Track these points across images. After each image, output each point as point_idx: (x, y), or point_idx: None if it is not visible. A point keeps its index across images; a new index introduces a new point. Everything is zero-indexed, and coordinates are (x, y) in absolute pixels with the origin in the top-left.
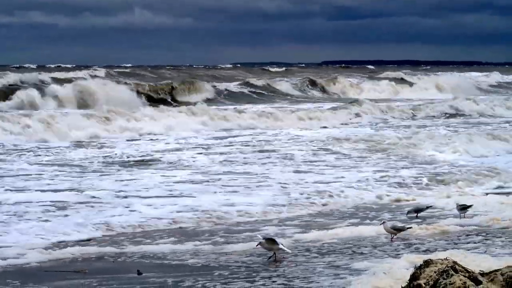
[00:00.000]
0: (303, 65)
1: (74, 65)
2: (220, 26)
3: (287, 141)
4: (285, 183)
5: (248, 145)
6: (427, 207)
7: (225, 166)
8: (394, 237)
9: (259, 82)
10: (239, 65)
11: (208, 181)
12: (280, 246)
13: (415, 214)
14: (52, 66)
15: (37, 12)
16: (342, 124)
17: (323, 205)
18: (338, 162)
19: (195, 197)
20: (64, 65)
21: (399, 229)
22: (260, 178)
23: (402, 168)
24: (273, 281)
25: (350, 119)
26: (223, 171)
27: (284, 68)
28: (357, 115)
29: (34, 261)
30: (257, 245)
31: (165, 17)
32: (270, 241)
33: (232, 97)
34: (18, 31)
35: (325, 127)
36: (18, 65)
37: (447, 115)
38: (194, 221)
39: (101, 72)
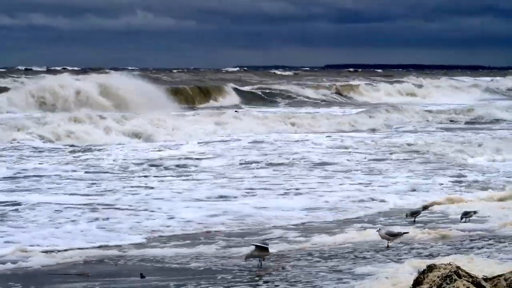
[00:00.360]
0: (307, 68)
1: (79, 68)
2: (221, 29)
3: (320, 146)
4: (320, 189)
5: (279, 150)
6: (424, 209)
7: (260, 170)
8: (391, 243)
9: (281, 87)
10: (245, 68)
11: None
12: (271, 251)
13: (412, 218)
14: (58, 68)
15: (38, 14)
16: (374, 129)
17: (368, 208)
18: (377, 166)
19: (230, 201)
20: (71, 68)
21: (395, 235)
22: (295, 184)
23: (443, 174)
24: (276, 285)
25: (387, 124)
26: (261, 175)
27: (292, 72)
28: (390, 120)
29: (37, 264)
30: (246, 259)
31: (167, 19)
32: (260, 249)
33: (258, 101)
34: (18, 32)
35: (359, 131)
36: (24, 67)
37: (486, 121)
38: (232, 226)
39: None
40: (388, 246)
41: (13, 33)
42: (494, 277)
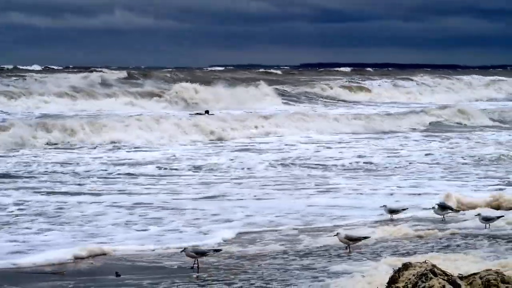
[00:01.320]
0: (287, 67)
1: (61, 67)
2: (199, 28)
3: (373, 148)
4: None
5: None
6: (403, 209)
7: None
8: (351, 246)
9: (307, 88)
10: (232, 67)
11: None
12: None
13: (390, 216)
14: (38, 68)
15: (17, 13)
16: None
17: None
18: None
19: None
20: (57, 67)
21: (355, 239)
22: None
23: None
24: (251, 284)
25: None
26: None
27: (280, 71)
28: (436, 122)
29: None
30: (181, 251)
31: (145, 18)
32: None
33: (299, 101)
34: None
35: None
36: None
37: None
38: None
39: (123, 73)
40: (349, 250)
41: None
42: (469, 276)
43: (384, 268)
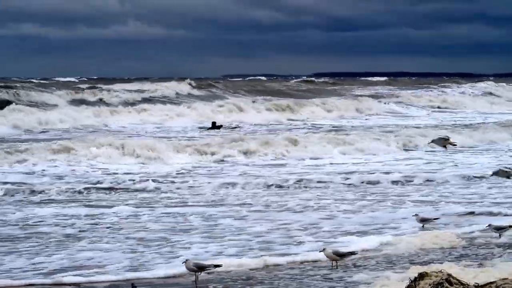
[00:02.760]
0: (304, 76)
1: (79, 77)
2: (212, 37)
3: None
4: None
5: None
6: (435, 219)
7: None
8: (337, 263)
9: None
10: (263, 78)
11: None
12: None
13: (421, 224)
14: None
15: (29, 24)
16: None
17: None
18: None
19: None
20: (73, 79)
21: (342, 255)
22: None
23: None
24: None
25: None
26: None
27: (304, 79)
28: None
29: None
30: (182, 263)
31: (157, 28)
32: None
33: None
34: (8, 42)
35: None
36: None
37: None
38: None
39: (186, 85)
40: (336, 266)
41: (3, 44)
42: (485, 284)
43: (401, 277)
